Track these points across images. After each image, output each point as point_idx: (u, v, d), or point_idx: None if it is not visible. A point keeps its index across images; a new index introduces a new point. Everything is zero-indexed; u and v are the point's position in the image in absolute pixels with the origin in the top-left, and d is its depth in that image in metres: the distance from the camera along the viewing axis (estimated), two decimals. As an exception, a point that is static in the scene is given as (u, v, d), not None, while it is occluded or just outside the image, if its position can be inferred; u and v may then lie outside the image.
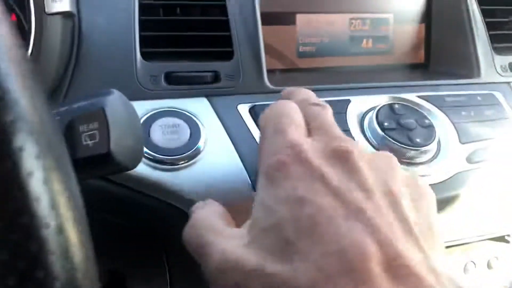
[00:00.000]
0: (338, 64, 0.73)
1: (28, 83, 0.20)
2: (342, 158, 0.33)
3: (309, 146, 0.34)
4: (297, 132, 0.36)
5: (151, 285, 0.67)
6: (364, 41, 0.74)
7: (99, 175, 0.41)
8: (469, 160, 0.59)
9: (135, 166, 0.37)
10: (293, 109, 0.39)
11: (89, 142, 0.33)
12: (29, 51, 0.50)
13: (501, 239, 0.64)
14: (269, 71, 0.67)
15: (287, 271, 0.29)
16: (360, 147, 0.35)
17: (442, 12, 0.75)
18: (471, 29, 0.72)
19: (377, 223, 0.29)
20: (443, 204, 0.57)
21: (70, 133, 0.33)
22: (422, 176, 0.57)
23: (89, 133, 0.33)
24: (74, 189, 0.21)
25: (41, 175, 0.19)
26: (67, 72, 0.54)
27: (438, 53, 0.77)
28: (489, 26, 0.74)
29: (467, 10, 0.72)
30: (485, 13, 0.74)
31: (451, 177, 0.58)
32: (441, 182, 0.57)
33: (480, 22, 0.73)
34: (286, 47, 0.70)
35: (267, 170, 0.34)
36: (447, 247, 0.61)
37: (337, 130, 0.37)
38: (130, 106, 0.37)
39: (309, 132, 0.37)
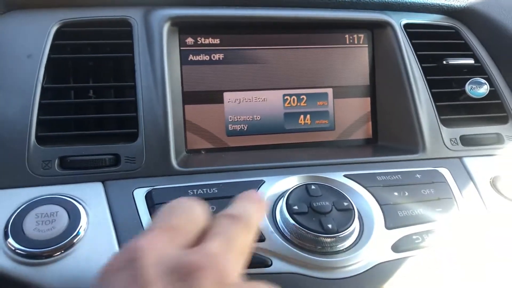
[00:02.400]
0: (273, 142, 0.69)
1: None
2: (187, 277, 0.27)
3: (159, 254, 0.28)
4: (161, 235, 0.30)
5: None
6: (301, 117, 0.70)
7: None
8: (395, 248, 0.52)
9: None
10: (193, 209, 0.33)
11: None
12: None
13: None
14: (194, 151, 0.64)
15: None
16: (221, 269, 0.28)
17: (386, 84, 0.71)
18: (414, 101, 0.67)
19: None
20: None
21: None
22: (340, 267, 0.50)
23: None
24: None
25: None
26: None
27: (385, 128, 0.71)
28: (437, 97, 0.69)
29: (409, 81, 0.68)
30: (432, 84, 0.69)
31: (372, 268, 0.50)
32: (360, 273, 0.50)
33: (425, 93, 0.68)
34: (214, 126, 0.67)
35: (108, 264, 0.29)
36: None
37: (230, 245, 0.31)
38: None
39: (200, 241, 0.31)
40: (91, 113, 0.58)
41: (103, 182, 0.54)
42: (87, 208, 0.50)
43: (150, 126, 0.57)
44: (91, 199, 0.52)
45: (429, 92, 0.68)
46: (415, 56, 0.70)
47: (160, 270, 0.27)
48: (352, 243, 0.52)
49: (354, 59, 0.72)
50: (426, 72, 0.70)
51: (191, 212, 0.33)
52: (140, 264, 0.28)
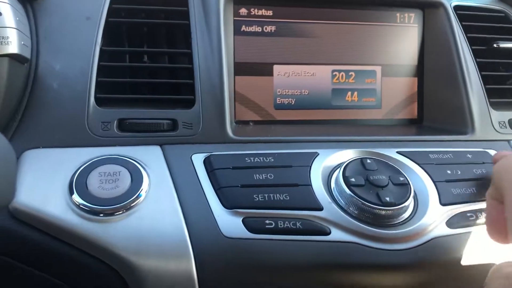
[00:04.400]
0: (320, 117, 0.69)
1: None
2: None
3: None
4: None
5: None
6: (349, 93, 0.70)
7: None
8: (450, 224, 0.52)
9: (3, 204, 0.33)
10: None
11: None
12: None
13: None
14: (243, 122, 0.64)
15: None
16: None
17: (435, 65, 0.71)
18: (465, 82, 0.66)
19: None
20: (419, 272, 0.50)
21: None
22: (396, 239, 0.50)
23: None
24: None
25: None
26: (16, 114, 0.53)
27: (431, 109, 0.71)
28: (486, 80, 0.68)
29: (460, 62, 0.67)
30: (481, 66, 0.69)
31: (427, 242, 0.50)
32: (415, 247, 0.50)
33: (475, 76, 0.68)
34: (262, 98, 0.67)
35: None
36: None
37: None
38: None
39: None
40: (147, 78, 0.58)
41: (161, 146, 0.54)
42: (148, 170, 0.51)
43: (207, 94, 0.58)
44: (151, 162, 0.52)
45: (479, 74, 0.68)
46: (466, 38, 0.70)
47: None
48: (408, 217, 0.52)
49: (404, 38, 0.71)
50: (476, 54, 0.69)
51: None
52: None
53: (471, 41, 0.70)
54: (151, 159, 0.52)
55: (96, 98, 0.54)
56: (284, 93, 0.67)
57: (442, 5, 0.70)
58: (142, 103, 0.57)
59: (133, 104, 0.56)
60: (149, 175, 0.50)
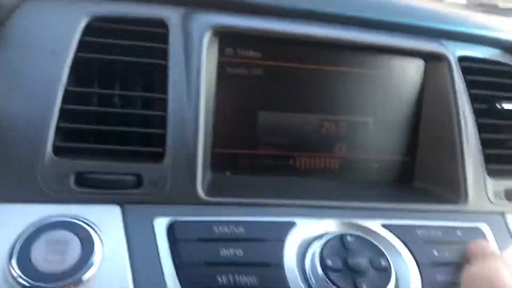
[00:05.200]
0: (304, 167, 0.64)
1: None
2: None
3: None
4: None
5: None
6: (338, 145, 0.65)
7: None
8: (431, 317, 0.48)
9: None
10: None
11: None
12: None
13: None
14: (220, 170, 0.59)
15: None
16: None
17: (432, 123, 0.65)
18: (462, 147, 0.62)
19: None
20: None
21: None
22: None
23: None
24: None
25: None
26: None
27: (424, 169, 0.66)
28: (486, 144, 0.63)
29: (459, 124, 0.62)
30: (482, 128, 0.64)
31: None
32: None
33: (474, 139, 0.63)
34: (244, 146, 0.62)
35: None
36: None
37: None
38: None
39: None
40: (115, 125, 0.53)
41: (122, 205, 0.49)
42: (102, 237, 0.46)
43: (178, 146, 0.52)
44: (108, 226, 0.47)
45: (479, 138, 0.63)
46: (468, 95, 0.65)
47: None
48: (383, 309, 0.47)
49: (402, 90, 0.66)
50: (477, 114, 0.64)
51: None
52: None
53: (474, 99, 0.65)
54: (108, 222, 0.47)
55: (54, 147, 0.49)
56: (267, 141, 0.62)
57: (445, 58, 0.64)
58: (105, 154, 0.51)
59: (95, 155, 0.51)
60: (103, 244, 0.45)
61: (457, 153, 0.62)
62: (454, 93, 0.63)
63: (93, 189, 0.49)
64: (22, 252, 0.43)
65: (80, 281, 0.42)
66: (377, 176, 0.66)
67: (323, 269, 0.47)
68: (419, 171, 0.67)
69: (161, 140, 0.52)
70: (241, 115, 0.61)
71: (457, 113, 0.63)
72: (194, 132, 0.53)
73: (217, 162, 0.60)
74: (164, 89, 0.54)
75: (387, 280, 0.47)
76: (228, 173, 0.61)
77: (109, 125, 0.52)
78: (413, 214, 0.57)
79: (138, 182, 0.50)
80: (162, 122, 0.53)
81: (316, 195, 0.57)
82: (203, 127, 0.53)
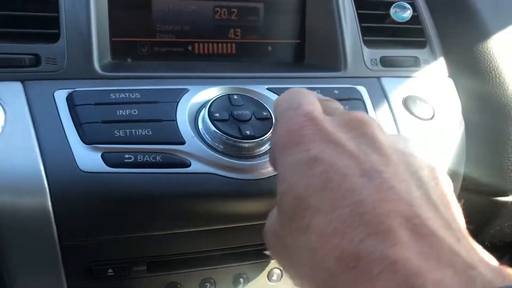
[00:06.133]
0: (200, 51, 0.69)
1: None
2: (358, 127, 0.34)
3: (324, 117, 0.35)
4: (312, 106, 0.36)
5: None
6: (231, 31, 0.70)
7: None
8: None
9: None
10: (308, 92, 0.41)
11: None
12: None
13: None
14: (120, 58, 0.63)
15: (299, 229, 0.30)
16: (379, 122, 0.36)
17: (316, 3, 0.72)
18: (340, 21, 0.69)
19: (394, 184, 0.29)
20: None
21: None
22: (255, 169, 0.53)
23: None
24: None
25: None
26: None
27: (312, 47, 0.73)
28: (362, 18, 0.71)
29: (337, 1, 0.69)
30: (358, 5, 0.71)
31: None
32: (271, 177, 0.53)
33: (351, 13, 0.70)
34: (141, 33, 0.66)
35: (280, 141, 0.35)
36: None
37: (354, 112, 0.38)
38: None
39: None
40: (8, 10, 0.56)
41: (22, 82, 0.53)
42: (4, 106, 0.50)
43: (72, 28, 0.56)
44: (9, 97, 0.51)
45: (355, 12, 0.70)
46: (346, -24, 0.71)
47: (336, 123, 0.35)
48: (268, 149, 0.55)
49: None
50: (354, -8, 0.71)
51: (308, 92, 0.41)
52: (319, 123, 0.34)
53: (351, -20, 0.72)
54: (9, 94, 0.51)
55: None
56: (163, 29, 0.67)
57: None
58: (2, 38, 0.54)
59: (-7, 39, 0.54)
60: (5, 111, 0.50)
61: (336, 28, 0.69)
62: (332, -27, 0.70)
63: (-7, 68, 0.52)
64: None
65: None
66: (271, 58, 0.73)
67: (211, 121, 0.53)
68: (309, 51, 0.74)
69: (56, 23, 0.56)
70: (135, 3, 0.65)
71: (335, -7, 0.69)
72: (87, 13, 0.57)
73: (116, 50, 0.64)
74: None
75: (268, 127, 0.55)
76: (129, 60, 0.65)
77: (4, 10, 0.55)
78: (297, 80, 0.65)
79: (37, 60, 0.54)
80: (54, 6, 0.56)
81: (209, 70, 0.62)
82: (94, 11, 0.57)
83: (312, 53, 0.74)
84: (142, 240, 0.51)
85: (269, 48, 0.73)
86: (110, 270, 0.51)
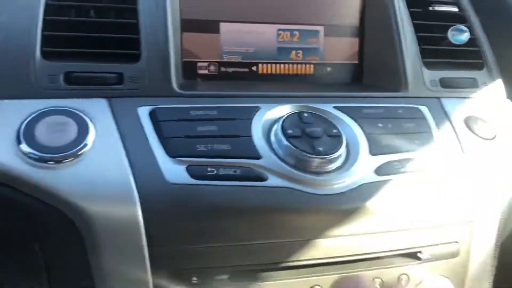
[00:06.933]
0: (265, 71, 0.72)
1: None
2: None
3: None
4: None
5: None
6: (293, 52, 0.73)
7: None
8: (378, 172, 0.57)
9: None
10: None
11: None
12: None
13: (412, 255, 0.61)
14: (191, 78, 0.66)
15: None
16: None
17: (375, 26, 0.74)
18: (400, 43, 0.71)
19: None
20: (347, 215, 0.55)
21: None
22: (328, 185, 0.55)
23: None
24: None
25: None
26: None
27: (371, 68, 0.75)
28: (421, 41, 0.73)
29: (397, 24, 0.71)
30: (417, 28, 0.73)
31: (357, 187, 0.56)
32: (346, 191, 0.55)
33: (411, 36, 0.72)
34: (210, 55, 0.69)
35: None
36: (355, 260, 0.59)
37: None
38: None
39: None
40: (93, 33, 0.59)
41: (107, 99, 0.56)
42: (94, 121, 0.53)
43: (152, 49, 0.59)
44: (98, 113, 0.54)
45: (415, 36, 0.72)
46: (404, 0, 0.74)
47: None
48: (340, 165, 0.56)
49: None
50: (413, 16, 0.73)
51: None
52: None
53: (409, 4, 0.74)
54: (97, 111, 0.54)
55: (42, 52, 0.55)
56: (231, 50, 0.70)
57: (383, -33, 0.73)
58: (88, 57, 0.58)
59: (80, 58, 0.57)
60: (95, 125, 0.53)
61: (396, 50, 0.71)
62: (392, -1, 0.72)
63: (81, 86, 0.56)
64: (27, 134, 0.50)
65: (80, 152, 0.50)
66: (330, 78, 0.75)
67: (285, 137, 0.55)
68: (367, 71, 0.76)
69: (137, 43, 0.59)
70: (205, 26, 0.68)
71: (395, 16, 0.72)
72: (164, 35, 0.60)
73: (187, 70, 0.67)
74: (134, 0, 0.61)
75: (340, 143, 0.57)
76: (199, 80, 0.68)
77: (89, 33, 0.59)
78: (361, 100, 0.66)
79: (120, 79, 0.58)
80: (135, 28, 0.60)
81: (278, 89, 0.65)
82: (172, 32, 0.61)
83: (370, 74, 0.76)
84: (226, 250, 0.53)
85: (328, 69, 0.75)
86: (194, 278, 0.52)
